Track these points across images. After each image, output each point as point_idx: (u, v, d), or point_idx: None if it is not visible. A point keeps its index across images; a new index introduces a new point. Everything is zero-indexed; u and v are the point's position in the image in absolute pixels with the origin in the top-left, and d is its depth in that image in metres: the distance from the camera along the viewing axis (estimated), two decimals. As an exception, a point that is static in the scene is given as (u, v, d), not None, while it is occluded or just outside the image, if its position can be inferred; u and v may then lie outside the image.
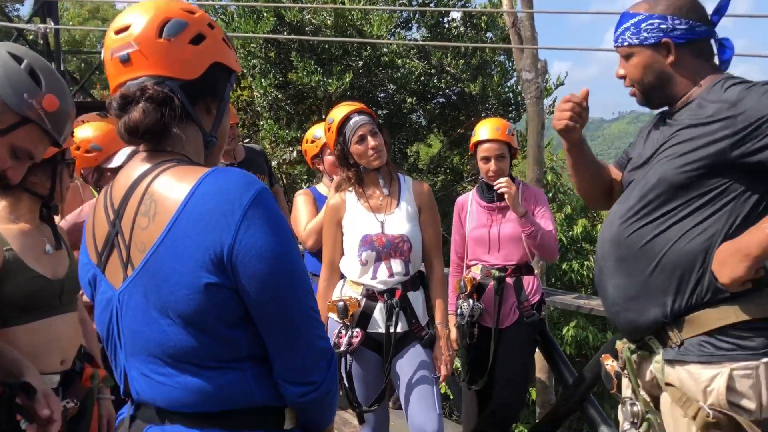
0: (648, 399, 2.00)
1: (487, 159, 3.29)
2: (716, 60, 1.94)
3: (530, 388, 8.51)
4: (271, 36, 9.26)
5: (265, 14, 9.44)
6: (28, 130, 1.61)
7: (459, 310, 3.29)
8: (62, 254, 2.24)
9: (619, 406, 2.06)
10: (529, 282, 3.32)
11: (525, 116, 10.73)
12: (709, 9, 1.91)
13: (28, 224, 2.16)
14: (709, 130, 1.75)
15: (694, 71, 1.89)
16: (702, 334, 1.79)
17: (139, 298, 1.22)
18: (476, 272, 3.35)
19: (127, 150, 2.92)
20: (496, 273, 3.28)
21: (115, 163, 2.90)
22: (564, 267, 11.04)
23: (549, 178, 11.23)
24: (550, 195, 11.62)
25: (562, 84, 11.60)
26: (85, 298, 2.51)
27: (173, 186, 1.21)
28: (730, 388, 1.73)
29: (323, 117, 10.34)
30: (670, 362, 1.84)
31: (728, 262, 1.72)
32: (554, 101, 11.38)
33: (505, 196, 3.14)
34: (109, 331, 1.31)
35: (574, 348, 10.01)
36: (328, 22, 9.34)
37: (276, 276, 1.18)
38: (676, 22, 1.85)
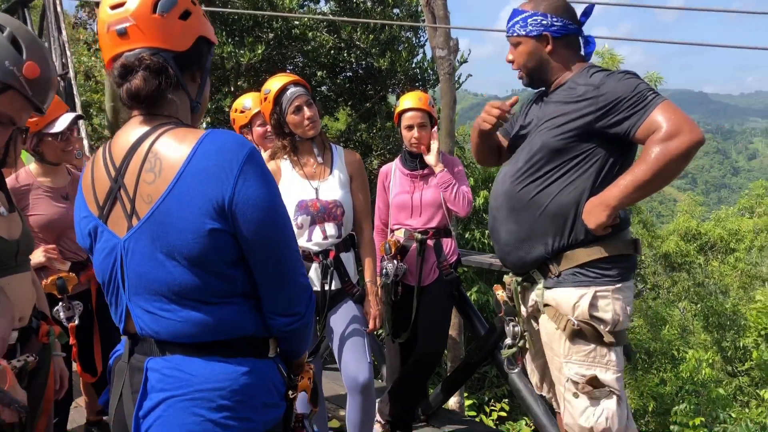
0: (530, 321, 2.52)
1: (410, 127, 3.52)
2: (582, 51, 2.43)
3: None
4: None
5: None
6: (11, 97, 1.66)
7: (384, 271, 3.52)
8: (15, 216, 2.30)
9: (505, 326, 2.58)
10: (447, 244, 3.60)
11: (431, 92, 11.08)
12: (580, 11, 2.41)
13: None
14: (579, 107, 2.22)
15: (566, 59, 2.36)
16: (575, 267, 2.28)
17: (146, 243, 1.39)
18: (400, 235, 3.60)
19: (69, 116, 2.95)
20: (419, 236, 3.53)
21: (57, 128, 2.90)
22: (467, 236, 11.58)
23: (455, 151, 11.69)
24: (455, 168, 12.04)
25: (465, 61, 11.98)
26: (35, 259, 2.60)
27: (176, 145, 1.39)
28: (592, 305, 2.24)
29: (232, 88, 10.32)
30: (550, 288, 2.34)
31: (593, 212, 2.20)
32: (459, 77, 11.76)
33: (432, 148, 3.44)
34: (112, 275, 1.47)
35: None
36: (240, -7, 9.25)
37: (268, 221, 1.40)
38: (554, 19, 2.31)
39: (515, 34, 2.37)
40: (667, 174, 2.09)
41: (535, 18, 2.32)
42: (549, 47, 2.34)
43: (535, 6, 2.34)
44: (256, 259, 1.42)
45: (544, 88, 2.48)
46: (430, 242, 3.57)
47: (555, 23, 2.31)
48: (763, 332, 13.10)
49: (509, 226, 2.41)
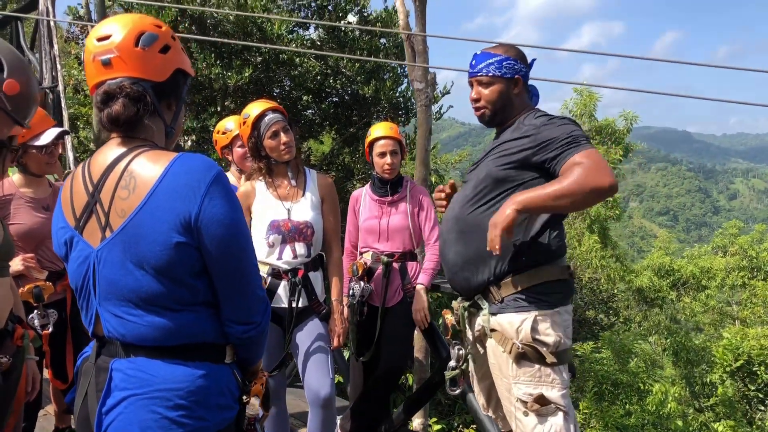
0: (477, 345, 2.70)
1: (383, 154, 3.70)
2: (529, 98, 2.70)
3: (407, 374, 9.10)
4: (179, 35, 9.23)
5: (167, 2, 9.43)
6: None
7: (351, 291, 3.68)
8: None
9: (450, 350, 2.78)
10: (412, 267, 3.77)
11: (413, 120, 11.33)
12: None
13: None
14: (521, 143, 2.47)
15: (523, 102, 2.63)
16: (516, 292, 2.47)
17: (117, 253, 1.54)
18: (367, 258, 3.75)
19: (54, 131, 3.07)
20: (385, 258, 3.70)
21: (42, 141, 3.02)
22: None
23: (433, 179, 11.89)
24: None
25: (447, 93, 12.26)
26: (13, 267, 2.72)
27: (149, 166, 1.56)
28: (534, 328, 2.42)
29: (219, 108, 10.48)
30: (494, 314, 2.52)
31: (501, 209, 2.33)
32: (440, 108, 12.03)
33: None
34: (84, 282, 1.62)
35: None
36: (230, 17, 9.46)
37: (230, 237, 1.56)
38: (521, 65, 2.60)
39: (489, 74, 2.58)
40: (582, 202, 2.28)
41: (509, 62, 2.57)
42: (516, 89, 2.59)
43: (506, 51, 2.60)
44: (218, 271, 1.58)
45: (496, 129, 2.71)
46: (395, 265, 3.73)
47: (523, 69, 2.59)
48: (728, 369, 13.38)
49: (457, 248, 2.60)
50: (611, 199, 19.47)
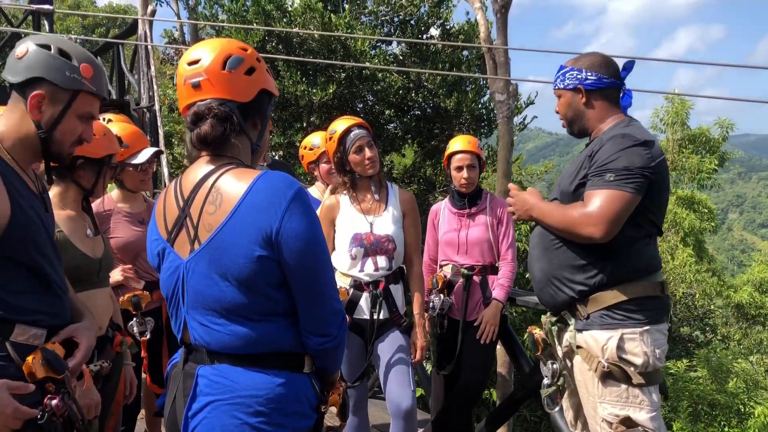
0: (565, 360, 2.61)
1: (460, 168, 3.72)
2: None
3: (491, 389, 8.98)
4: (266, 56, 9.60)
5: (255, 25, 9.83)
6: (82, 97, 1.88)
7: (431, 304, 3.68)
8: (99, 239, 2.63)
9: (541, 366, 2.69)
10: (493, 281, 3.73)
11: (496, 132, 11.25)
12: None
13: (73, 211, 2.55)
14: (589, 158, 2.43)
15: (600, 111, 2.54)
16: (602, 309, 2.39)
17: (204, 265, 1.64)
18: (447, 271, 3.74)
19: (150, 150, 3.26)
20: (465, 272, 3.70)
21: (138, 160, 3.20)
22: (527, 276, 11.49)
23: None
24: (517, 207, 12.06)
25: (532, 103, 12.11)
26: (113, 278, 2.90)
27: (235, 183, 1.64)
28: (620, 347, 2.34)
29: (304, 124, 10.79)
30: (579, 330, 2.46)
31: (521, 201, 2.61)
32: (524, 119, 11.88)
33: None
34: (174, 291, 1.72)
35: (531, 353, 10.46)
36: (315, 35, 9.73)
37: (308, 251, 1.62)
38: (588, 74, 2.51)
39: (556, 87, 2.61)
40: (562, 233, 2.43)
41: (572, 72, 2.54)
42: (583, 99, 2.53)
43: (574, 63, 2.58)
44: (296, 284, 1.64)
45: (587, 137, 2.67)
46: (476, 278, 3.72)
47: (589, 77, 2.51)
48: (842, 393, 12.39)
49: (541, 264, 2.58)
50: (706, 210, 18.54)
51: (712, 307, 18.27)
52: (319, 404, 1.77)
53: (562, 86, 2.58)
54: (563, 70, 2.59)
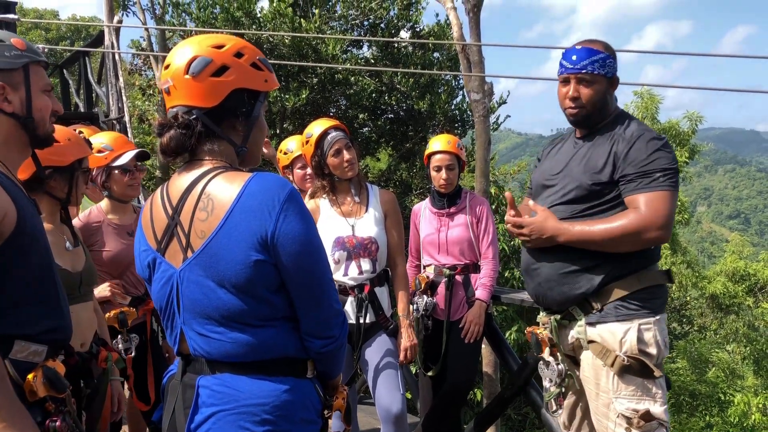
0: (567, 359, 2.53)
1: (438, 168, 3.69)
2: None
3: (476, 389, 8.98)
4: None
5: (224, 32, 9.74)
6: (34, 70, 1.83)
7: (414, 306, 3.67)
8: (80, 251, 2.55)
9: (540, 369, 2.59)
10: (476, 279, 3.72)
11: (471, 132, 11.29)
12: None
13: (50, 224, 2.46)
14: (612, 152, 2.37)
15: (614, 103, 2.49)
16: (616, 300, 2.33)
17: (199, 273, 1.58)
18: (430, 271, 3.74)
19: (134, 151, 3.20)
20: (447, 271, 3.68)
21: (122, 161, 3.13)
22: (506, 275, 11.57)
23: (493, 190, 11.79)
24: (494, 206, 12.16)
25: (504, 102, 12.17)
26: (98, 292, 2.82)
27: (226, 187, 1.59)
28: (639, 339, 2.28)
29: (278, 131, 10.71)
30: (592, 324, 2.37)
31: (550, 227, 2.38)
32: (498, 118, 11.93)
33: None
34: (168, 302, 1.66)
35: (516, 351, 10.52)
36: (286, 40, 9.67)
37: (305, 253, 1.58)
38: (615, 63, 2.44)
39: (594, 72, 2.39)
40: (614, 247, 2.30)
41: (611, 60, 2.42)
42: (612, 89, 2.47)
43: (605, 48, 2.43)
44: (295, 286, 1.60)
45: (575, 129, 2.58)
46: (458, 278, 3.71)
47: (615, 66, 2.44)
48: (816, 377, 12.64)
49: (548, 264, 2.46)
50: (678, 203, 18.85)
51: (687, 298, 18.54)
52: (323, 409, 1.74)
53: (602, 72, 2.40)
54: (600, 55, 2.39)
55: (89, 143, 2.86)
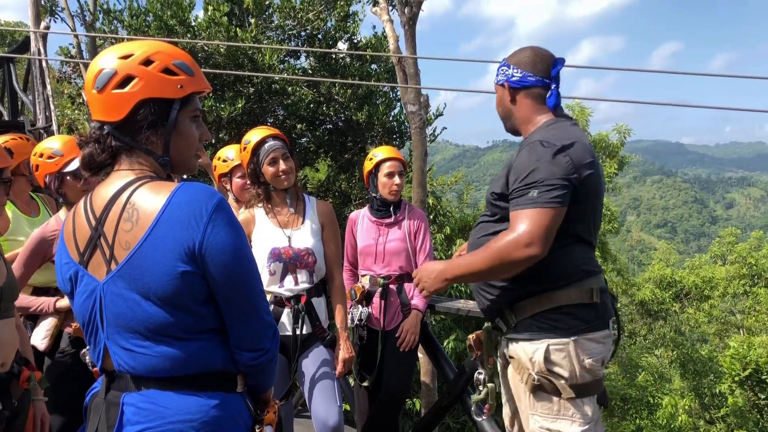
0: (497, 368, 2.51)
1: (391, 174, 3.72)
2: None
3: (414, 399, 9.01)
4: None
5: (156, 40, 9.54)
6: None
7: (350, 316, 3.66)
8: (0, 265, 2.43)
9: (475, 374, 2.58)
10: (410, 288, 3.75)
11: (408, 143, 11.39)
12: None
13: None
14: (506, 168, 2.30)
15: (528, 110, 2.39)
16: (528, 317, 2.27)
17: (123, 285, 1.53)
18: (365, 282, 3.75)
19: None
20: (381, 281, 3.70)
21: (73, 166, 3.04)
22: (444, 284, 11.64)
23: (430, 201, 11.91)
24: (431, 217, 12.30)
25: (441, 114, 12.35)
26: (63, 303, 2.72)
27: (151, 197, 1.55)
28: (547, 359, 2.20)
29: (213, 141, 10.51)
30: (509, 339, 2.35)
31: (430, 279, 2.37)
32: (434, 130, 12.09)
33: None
34: (91, 316, 1.60)
35: (454, 360, 10.64)
36: (221, 49, 9.54)
37: (235, 264, 1.55)
38: (515, 70, 2.37)
39: (496, 82, 2.47)
40: (500, 272, 2.21)
41: (503, 68, 2.40)
42: (508, 96, 2.40)
43: (509, 58, 2.42)
44: (224, 298, 1.57)
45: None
46: (392, 287, 3.72)
47: (515, 74, 2.36)
48: (736, 378, 13.27)
49: None
50: (609, 212, 19.49)
51: (618, 305, 19.15)
52: (254, 424, 1.70)
53: (496, 81, 2.45)
54: (500, 65, 2.43)
55: (10, 152, 2.74)
